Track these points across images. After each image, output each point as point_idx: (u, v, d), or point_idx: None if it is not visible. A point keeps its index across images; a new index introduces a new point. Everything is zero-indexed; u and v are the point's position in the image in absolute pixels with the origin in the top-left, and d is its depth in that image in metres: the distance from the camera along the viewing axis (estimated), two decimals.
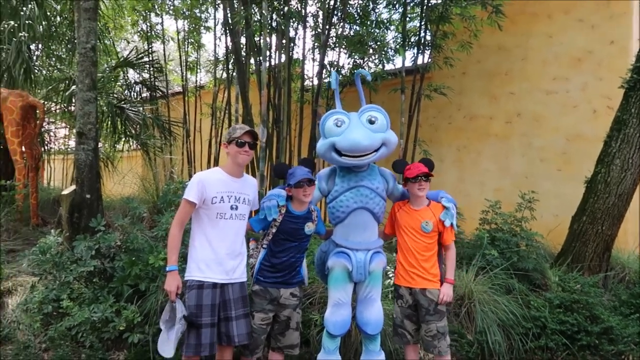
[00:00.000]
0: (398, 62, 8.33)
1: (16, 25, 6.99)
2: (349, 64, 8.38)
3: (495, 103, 8.20)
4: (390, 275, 4.53)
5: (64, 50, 9.02)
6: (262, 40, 7.31)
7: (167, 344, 2.91)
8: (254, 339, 3.06)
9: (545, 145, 7.59)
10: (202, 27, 10.07)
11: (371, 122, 3.09)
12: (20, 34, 6.94)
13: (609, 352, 4.41)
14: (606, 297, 5.11)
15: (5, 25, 6.92)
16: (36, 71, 7.94)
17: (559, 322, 4.47)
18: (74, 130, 5.30)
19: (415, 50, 7.94)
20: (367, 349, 3.37)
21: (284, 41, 7.55)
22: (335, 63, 8.39)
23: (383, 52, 7.98)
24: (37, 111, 6.35)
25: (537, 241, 5.43)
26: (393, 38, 8.67)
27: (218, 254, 2.98)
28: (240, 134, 3.03)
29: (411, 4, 7.96)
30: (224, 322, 2.98)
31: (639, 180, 5.38)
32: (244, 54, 7.80)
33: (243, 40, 7.80)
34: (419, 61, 7.90)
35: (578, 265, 5.30)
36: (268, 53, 7.60)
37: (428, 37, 7.88)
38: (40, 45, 8.53)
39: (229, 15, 7.35)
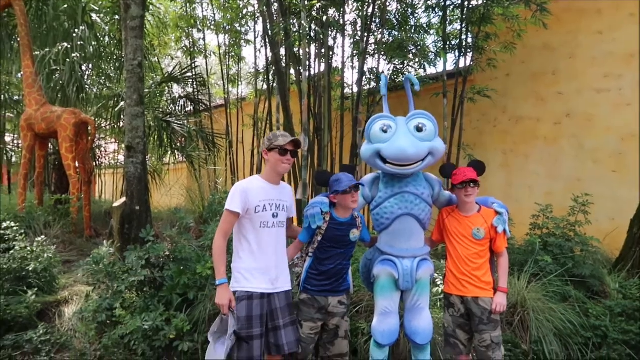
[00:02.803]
0: (439, 66, 8.19)
1: (69, 46, 7.36)
2: (389, 69, 8.32)
3: (542, 104, 7.92)
4: (439, 283, 4.42)
5: (112, 68, 9.41)
6: (301, 50, 7.37)
7: (214, 358, 2.90)
8: (302, 349, 3.03)
9: (598, 146, 7.25)
10: (242, 41, 10.28)
11: (419, 129, 3.01)
12: (73, 55, 7.29)
13: None
14: None
15: (60, 47, 7.29)
16: (87, 89, 8.31)
17: (622, 331, 4.22)
18: (123, 145, 5.48)
19: (456, 53, 7.80)
20: (417, 359, 3.28)
21: (323, 50, 7.59)
22: (375, 70, 8.34)
23: (423, 56, 7.87)
24: (89, 127, 6.63)
25: (594, 246, 5.18)
26: (433, 42, 8.55)
27: (263, 263, 2.93)
28: (283, 142, 2.97)
29: (451, 7, 7.83)
30: (272, 332, 2.93)
31: None
32: (284, 64, 7.88)
33: (283, 51, 7.89)
34: (461, 64, 7.75)
35: (639, 271, 5.00)
36: (308, 62, 7.65)
37: (469, 40, 7.73)
38: (90, 65, 8.94)
39: (268, 27, 7.46)
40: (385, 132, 3.06)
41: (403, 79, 3.34)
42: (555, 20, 6.97)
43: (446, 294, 3.29)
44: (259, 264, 2.93)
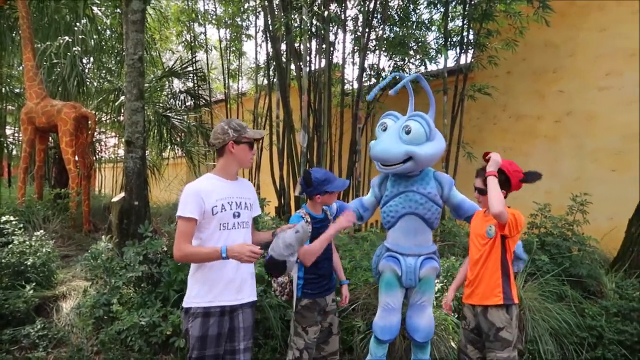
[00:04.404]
0: (440, 63, 8.17)
1: (70, 40, 7.34)
2: (389, 66, 8.30)
3: (542, 102, 7.90)
4: (436, 282, 4.44)
5: (113, 62, 9.40)
6: (302, 46, 7.35)
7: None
8: (309, 354, 2.96)
9: (598, 145, 7.23)
10: (243, 35, 10.24)
11: (407, 132, 3.01)
12: (74, 48, 7.28)
13: None
14: None
15: (61, 41, 7.28)
16: (88, 83, 8.30)
17: (617, 331, 4.23)
18: (123, 139, 5.48)
19: (457, 50, 7.78)
20: (416, 357, 3.29)
21: (324, 46, 7.56)
22: (376, 66, 8.32)
23: (424, 53, 7.84)
24: (89, 122, 6.63)
25: (591, 246, 5.17)
26: (435, 38, 8.52)
27: (224, 271, 2.54)
28: (257, 135, 2.69)
29: (453, 3, 7.79)
30: (229, 355, 2.58)
31: None
32: (285, 59, 7.87)
33: (283, 46, 7.87)
34: (462, 61, 7.73)
35: (637, 271, 5.00)
36: (308, 58, 7.63)
37: (471, 36, 7.70)
38: (91, 59, 8.93)
39: (269, 22, 7.43)
40: (383, 130, 3.07)
41: (407, 76, 3.29)
42: (557, 18, 6.93)
43: (462, 304, 3.08)
44: (220, 273, 2.54)
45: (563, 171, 7.53)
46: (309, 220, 2.95)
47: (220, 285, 2.53)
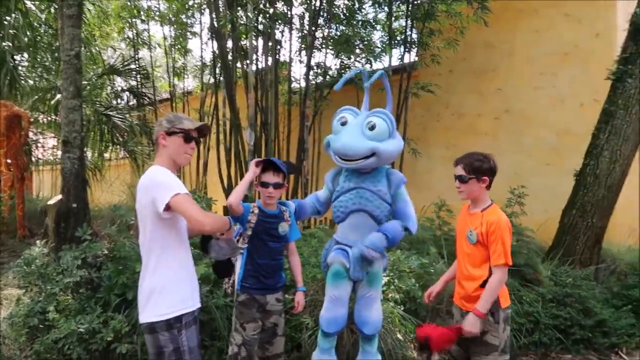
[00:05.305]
0: (385, 61, 8.33)
1: (0, 35, 6.93)
2: (335, 64, 8.37)
3: (483, 100, 8.20)
4: (382, 275, 4.49)
5: (49, 59, 8.95)
6: (248, 44, 7.28)
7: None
8: (247, 351, 2.95)
9: (534, 141, 7.59)
10: (188, 33, 10.02)
11: (370, 128, 3.01)
12: (4, 44, 6.87)
13: (602, 345, 4.41)
14: (598, 290, 5.10)
15: None
16: (22, 81, 7.86)
17: (552, 316, 4.46)
18: (60, 139, 5.24)
19: (402, 49, 7.95)
20: (364, 350, 3.31)
21: (270, 44, 7.52)
22: (322, 64, 8.36)
23: (370, 52, 7.96)
24: (22, 121, 6.28)
25: (528, 236, 5.42)
26: (380, 37, 8.66)
27: (192, 272, 2.44)
28: (191, 126, 2.42)
29: (397, 3, 7.96)
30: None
31: (628, 172, 5.39)
32: (231, 57, 7.76)
33: (229, 44, 7.76)
34: (406, 59, 7.90)
35: (569, 259, 5.30)
36: (255, 56, 7.57)
37: (414, 36, 7.88)
38: (25, 55, 8.46)
39: (214, 19, 7.31)
40: (342, 124, 3.06)
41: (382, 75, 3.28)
42: (495, 19, 7.22)
43: (453, 303, 3.02)
44: (190, 274, 2.42)
45: (502, 166, 7.73)
46: (256, 212, 2.96)
47: (196, 285, 2.44)
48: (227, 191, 7.69)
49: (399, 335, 4.07)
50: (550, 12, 7.53)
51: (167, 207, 2.20)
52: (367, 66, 8.21)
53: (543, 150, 7.48)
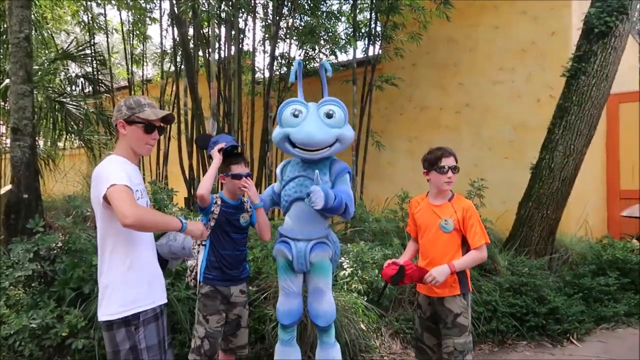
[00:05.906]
0: (350, 54, 8.34)
1: None
2: (299, 55, 8.30)
3: (445, 94, 8.35)
4: (345, 267, 4.52)
5: None
6: (210, 31, 7.11)
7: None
8: (211, 344, 2.90)
9: (493, 134, 7.80)
10: (147, 18, 9.68)
11: (329, 116, 3.00)
12: None
13: (555, 332, 4.59)
14: (552, 279, 5.32)
15: None
16: None
17: (509, 305, 4.61)
18: (9, 127, 4.97)
19: (366, 41, 7.97)
20: (322, 341, 3.32)
21: (233, 32, 7.37)
22: (287, 54, 8.28)
23: (334, 43, 7.94)
24: None
25: (487, 227, 5.55)
26: (344, 29, 8.66)
27: (155, 266, 2.32)
28: (153, 116, 2.22)
29: None
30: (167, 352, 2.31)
31: (581, 165, 5.62)
32: (192, 45, 7.57)
33: (191, 31, 7.56)
34: (370, 52, 7.93)
35: (525, 249, 5.48)
36: (217, 44, 7.40)
37: (379, 28, 7.92)
38: None
39: (175, 5, 7.10)
40: (296, 116, 3.03)
41: (317, 65, 3.28)
42: (458, 15, 7.35)
43: (417, 293, 3.08)
44: (155, 267, 2.32)
45: (463, 159, 7.92)
46: (219, 202, 2.92)
47: (158, 281, 2.30)
48: (189, 183, 7.53)
49: (362, 325, 4.11)
50: (509, 9, 7.72)
51: (106, 199, 2.06)
52: (332, 58, 8.19)
53: (502, 144, 7.69)
